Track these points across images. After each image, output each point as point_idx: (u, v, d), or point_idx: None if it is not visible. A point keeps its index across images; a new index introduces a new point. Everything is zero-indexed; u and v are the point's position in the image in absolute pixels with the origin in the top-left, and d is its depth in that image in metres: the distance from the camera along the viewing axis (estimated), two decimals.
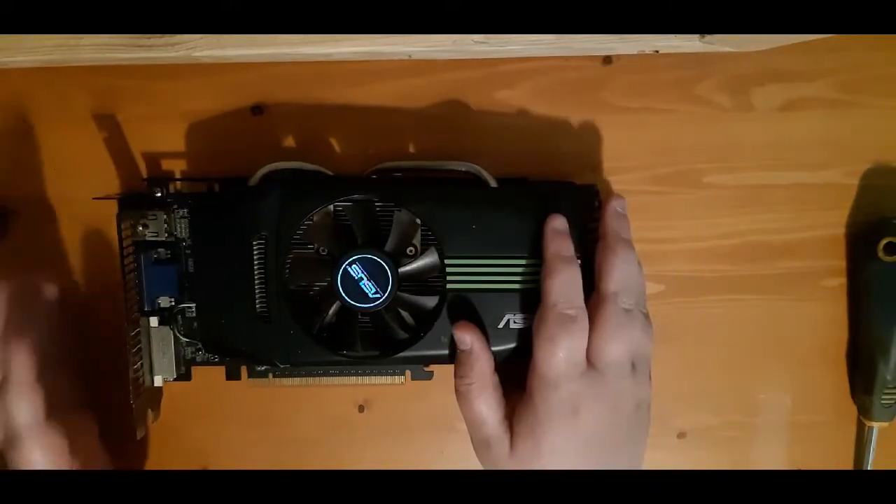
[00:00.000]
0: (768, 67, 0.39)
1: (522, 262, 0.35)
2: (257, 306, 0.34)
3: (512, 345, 0.35)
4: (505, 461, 0.33)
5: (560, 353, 0.31)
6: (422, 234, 0.35)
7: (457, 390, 0.34)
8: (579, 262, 0.34)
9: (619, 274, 0.33)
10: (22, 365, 0.33)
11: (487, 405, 0.33)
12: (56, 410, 0.34)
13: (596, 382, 0.32)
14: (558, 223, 0.34)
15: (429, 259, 0.35)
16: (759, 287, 0.40)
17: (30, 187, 0.39)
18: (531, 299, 0.35)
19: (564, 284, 0.32)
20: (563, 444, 0.32)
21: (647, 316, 0.34)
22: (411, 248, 0.35)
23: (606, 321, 0.32)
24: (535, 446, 0.32)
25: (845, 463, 0.42)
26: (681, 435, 0.41)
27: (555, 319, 0.32)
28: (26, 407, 0.33)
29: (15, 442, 0.33)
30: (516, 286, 0.35)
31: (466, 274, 0.35)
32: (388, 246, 0.35)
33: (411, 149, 0.39)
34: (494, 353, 0.35)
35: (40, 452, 0.33)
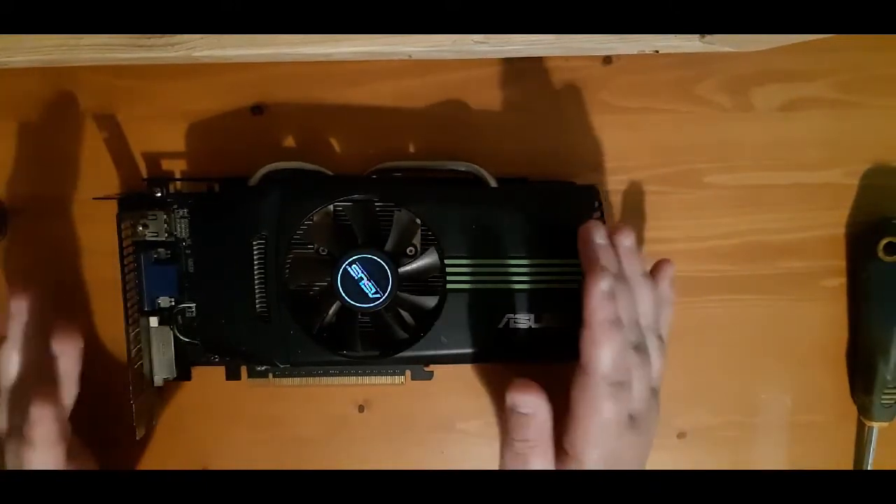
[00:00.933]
0: (768, 67, 0.39)
1: (522, 262, 0.35)
2: (257, 306, 0.34)
3: (512, 345, 0.35)
4: None
5: (610, 422, 0.30)
6: (422, 234, 0.35)
7: (511, 450, 0.31)
8: (577, 261, 0.34)
9: (600, 354, 0.30)
10: (41, 431, 0.32)
11: (544, 463, 0.31)
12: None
13: (632, 437, 0.31)
14: (604, 282, 0.30)
15: (429, 259, 0.35)
16: (759, 287, 0.40)
17: (30, 187, 0.39)
18: (531, 299, 0.35)
19: (611, 354, 0.30)
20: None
21: (658, 346, 0.33)
22: (411, 248, 0.35)
23: (594, 399, 0.30)
24: None
25: (845, 463, 0.42)
26: (681, 435, 0.41)
27: (601, 393, 0.30)
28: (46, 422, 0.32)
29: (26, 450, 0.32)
30: (516, 286, 0.35)
31: (466, 274, 0.35)
32: (388, 246, 0.35)
33: (411, 149, 0.39)
34: (496, 354, 0.35)
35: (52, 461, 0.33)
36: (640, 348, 0.32)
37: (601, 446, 0.31)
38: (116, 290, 0.36)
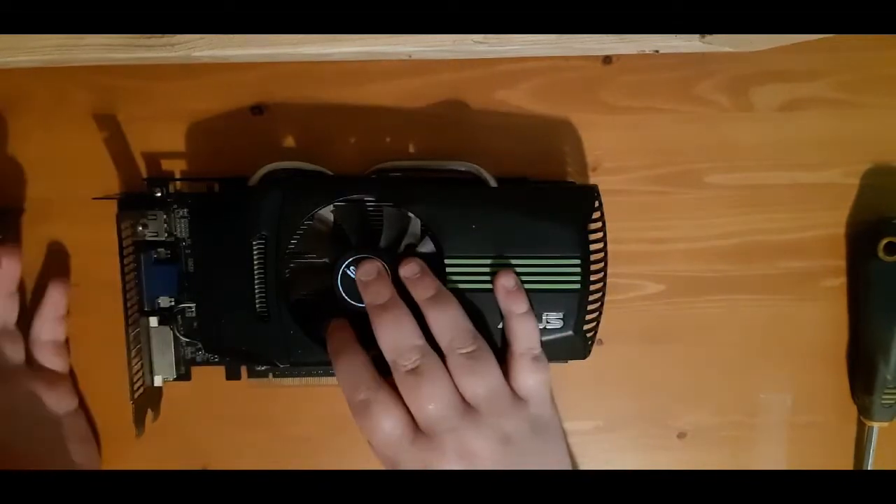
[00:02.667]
0: (768, 67, 0.39)
1: (523, 261, 0.35)
2: (257, 306, 0.34)
3: None
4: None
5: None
6: (421, 233, 0.35)
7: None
8: (577, 261, 0.34)
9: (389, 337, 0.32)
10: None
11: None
12: None
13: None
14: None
15: (425, 249, 0.35)
16: (759, 287, 0.40)
17: (30, 187, 0.39)
18: (531, 299, 0.35)
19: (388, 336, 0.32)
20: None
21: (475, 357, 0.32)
22: (410, 246, 0.35)
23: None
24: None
25: (845, 463, 0.42)
26: (681, 435, 0.41)
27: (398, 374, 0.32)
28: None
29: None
30: None
31: (466, 274, 0.35)
32: (382, 243, 0.35)
33: (411, 149, 0.39)
34: (496, 354, 0.35)
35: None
36: (430, 368, 0.31)
37: (395, 460, 0.32)
38: (116, 290, 0.36)
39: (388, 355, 0.32)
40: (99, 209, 0.38)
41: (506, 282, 0.33)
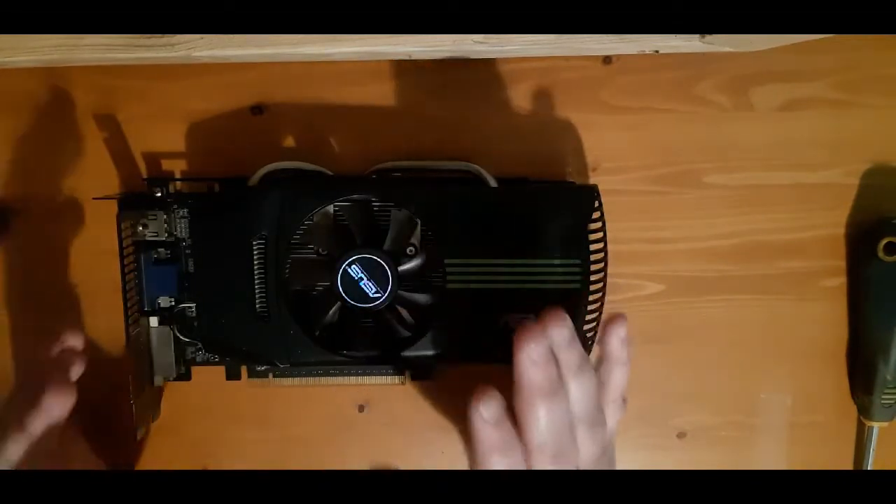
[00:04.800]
0: (768, 67, 0.39)
1: (522, 261, 0.35)
2: (257, 306, 0.34)
3: (512, 345, 0.35)
4: None
5: None
6: (421, 233, 0.35)
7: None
8: (576, 261, 0.34)
9: (535, 420, 0.29)
10: (37, 421, 0.33)
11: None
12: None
13: None
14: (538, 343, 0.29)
15: (428, 257, 0.35)
16: (759, 287, 0.40)
17: (30, 187, 0.39)
18: (531, 299, 0.35)
19: (548, 423, 0.29)
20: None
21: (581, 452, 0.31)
22: (411, 247, 0.35)
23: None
24: None
25: (845, 463, 0.42)
26: (681, 435, 0.41)
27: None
28: (15, 451, 0.33)
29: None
30: (516, 286, 0.35)
31: (466, 274, 0.35)
32: (387, 245, 0.35)
33: (411, 149, 0.39)
34: (495, 354, 0.35)
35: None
36: (566, 451, 0.30)
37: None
38: (116, 290, 0.36)
39: (540, 438, 0.29)
40: (99, 209, 0.38)
41: (621, 331, 0.33)
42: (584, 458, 0.31)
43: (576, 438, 0.31)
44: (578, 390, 0.31)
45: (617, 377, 0.34)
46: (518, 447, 0.30)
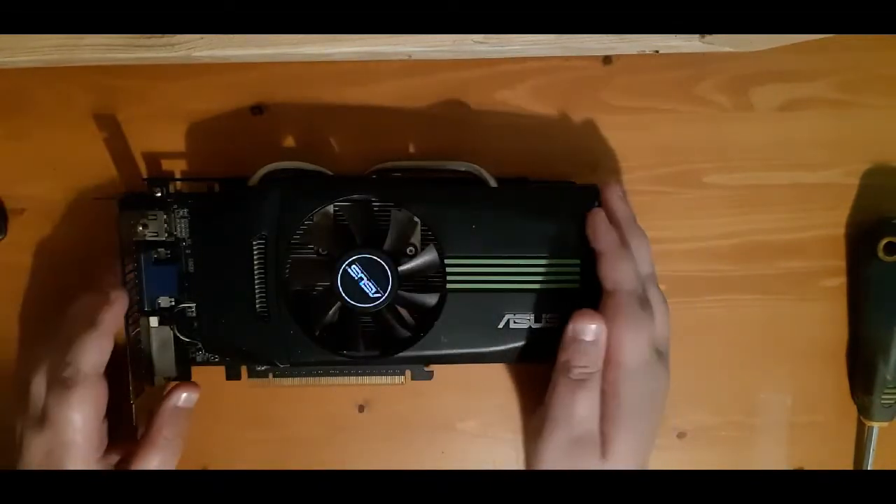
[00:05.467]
0: (768, 67, 0.39)
1: (522, 261, 0.35)
2: (257, 306, 0.34)
3: (512, 345, 0.35)
4: (598, 462, 0.32)
5: (646, 342, 0.32)
6: (421, 233, 0.35)
7: (568, 378, 0.32)
8: (577, 261, 0.34)
9: (622, 271, 0.33)
10: (107, 314, 0.34)
11: (594, 401, 0.32)
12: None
13: (657, 369, 0.33)
14: (601, 216, 0.34)
15: (428, 257, 0.35)
16: (759, 287, 0.40)
17: (30, 187, 0.39)
18: (531, 299, 0.35)
19: (633, 271, 0.33)
20: (651, 432, 0.34)
21: (659, 294, 0.35)
22: (411, 247, 0.35)
23: (628, 316, 0.32)
24: (632, 444, 0.32)
25: (845, 463, 0.42)
26: (681, 435, 0.41)
27: (634, 306, 0.32)
28: (96, 352, 0.33)
29: (66, 388, 0.32)
30: (516, 286, 0.35)
31: (466, 274, 0.35)
32: (387, 245, 0.35)
33: (411, 149, 0.39)
34: (495, 354, 0.35)
35: (86, 407, 0.33)
36: (643, 301, 0.33)
37: (636, 376, 0.32)
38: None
39: (627, 285, 0.33)
40: (99, 209, 0.38)
41: (616, 189, 0.36)
42: (660, 314, 0.34)
43: (648, 292, 0.34)
44: (640, 244, 0.35)
45: (638, 247, 0.35)
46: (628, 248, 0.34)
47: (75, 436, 0.33)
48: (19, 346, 0.39)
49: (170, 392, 0.36)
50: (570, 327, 0.33)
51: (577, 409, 0.32)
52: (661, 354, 0.34)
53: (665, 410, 0.34)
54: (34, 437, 0.33)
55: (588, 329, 0.32)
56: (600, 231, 0.34)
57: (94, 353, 0.33)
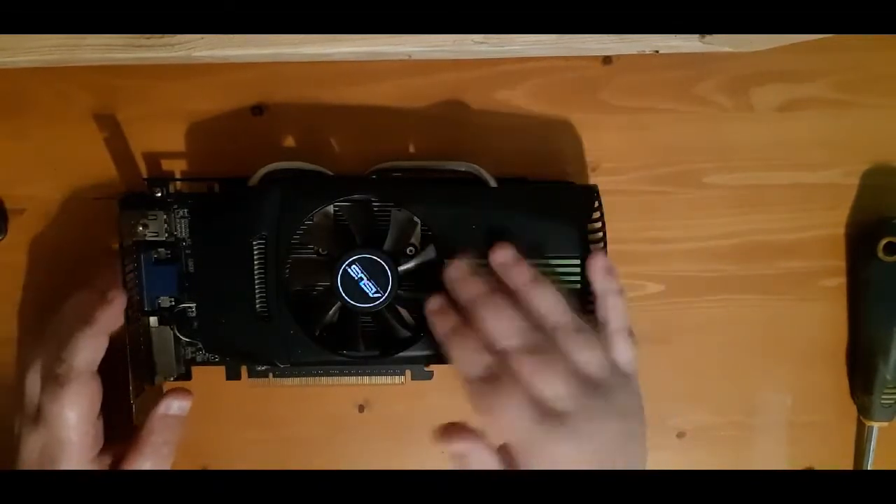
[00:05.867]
0: (768, 67, 0.39)
1: None
2: (257, 306, 0.34)
3: None
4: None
5: (517, 417, 0.30)
6: (421, 233, 0.35)
7: None
8: (577, 261, 0.34)
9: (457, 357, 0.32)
10: (103, 313, 0.34)
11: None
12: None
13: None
14: (431, 304, 0.33)
15: (428, 257, 0.35)
16: (759, 287, 0.40)
17: (30, 187, 0.39)
18: None
19: (470, 349, 0.32)
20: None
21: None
22: (411, 247, 0.35)
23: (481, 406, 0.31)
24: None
25: (845, 463, 0.42)
26: (681, 435, 0.41)
27: (477, 391, 0.31)
28: (89, 350, 0.33)
29: (59, 385, 0.33)
30: None
31: None
32: (387, 245, 0.35)
33: (411, 149, 0.39)
34: None
35: (79, 404, 0.33)
36: (543, 347, 0.31)
37: (527, 444, 0.30)
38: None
39: (502, 342, 0.31)
40: (99, 209, 0.38)
41: (603, 263, 0.33)
42: (583, 362, 0.31)
43: (558, 342, 0.31)
44: (540, 299, 0.32)
45: (612, 306, 0.33)
46: (471, 334, 0.32)
47: (69, 433, 0.33)
48: (18, 345, 0.39)
49: (162, 399, 0.36)
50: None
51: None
52: (589, 387, 0.31)
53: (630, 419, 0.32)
54: (30, 433, 0.33)
55: (458, 449, 0.31)
56: (432, 318, 0.33)
57: (88, 350, 0.33)
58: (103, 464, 0.35)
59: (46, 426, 0.33)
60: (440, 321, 0.33)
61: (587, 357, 0.31)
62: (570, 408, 0.30)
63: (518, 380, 0.30)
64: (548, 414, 0.30)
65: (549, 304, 0.32)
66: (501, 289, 0.32)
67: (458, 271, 0.33)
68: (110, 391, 0.38)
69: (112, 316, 0.34)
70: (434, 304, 0.33)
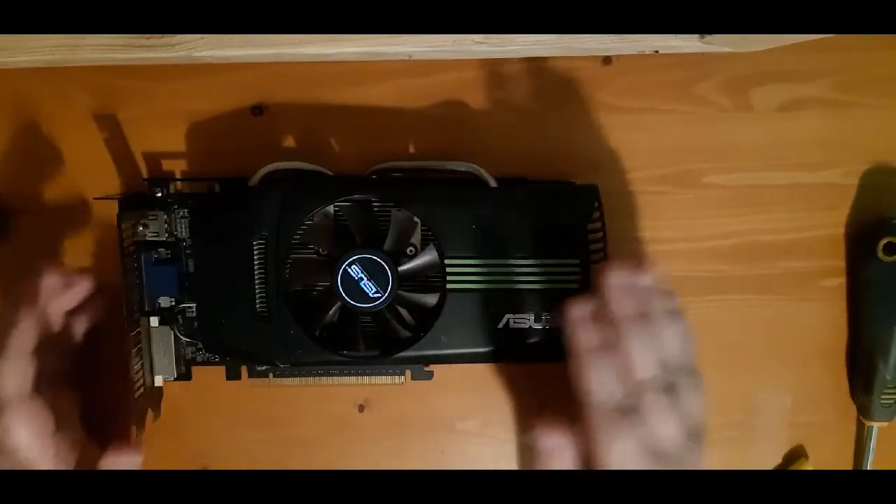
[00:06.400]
0: (768, 67, 0.39)
1: (522, 261, 0.35)
2: (257, 306, 0.34)
3: (512, 345, 0.35)
4: None
5: (632, 450, 0.29)
6: (421, 233, 0.35)
7: None
8: (576, 261, 0.34)
9: (593, 380, 0.30)
10: (15, 337, 0.33)
11: None
12: (42, 386, 0.33)
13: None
14: (583, 307, 0.30)
15: (428, 257, 0.35)
16: (759, 287, 0.40)
17: (30, 187, 0.39)
18: (531, 299, 0.35)
19: (611, 377, 0.29)
20: None
21: (691, 382, 0.31)
22: (411, 247, 0.35)
23: (599, 431, 0.29)
24: None
25: (845, 463, 0.42)
26: None
27: (606, 418, 0.29)
28: (13, 378, 0.32)
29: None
30: (516, 286, 0.35)
31: (466, 274, 0.35)
32: (387, 245, 0.35)
33: (411, 149, 0.39)
34: (495, 354, 0.35)
35: (24, 428, 0.32)
36: (669, 389, 0.30)
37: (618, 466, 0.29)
38: (117, 290, 0.36)
39: (640, 374, 0.29)
40: (99, 209, 0.38)
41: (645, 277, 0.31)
42: (694, 409, 0.30)
43: (682, 385, 0.30)
44: (671, 334, 0.30)
45: (661, 331, 0.30)
46: (617, 359, 0.29)
47: (29, 454, 0.32)
48: None
49: (105, 456, 0.35)
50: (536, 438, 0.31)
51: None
52: (692, 438, 0.30)
53: None
54: None
55: (549, 443, 0.31)
56: (577, 327, 0.30)
57: (11, 377, 0.32)
58: (90, 464, 0.35)
59: (4, 454, 0.32)
60: (585, 333, 0.30)
61: (695, 405, 0.30)
62: (673, 451, 0.29)
63: (647, 417, 0.29)
64: (657, 453, 0.29)
65: (682, 342, 0.31)
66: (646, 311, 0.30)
67: (621, 278, 0.30)
68: (111, 391, 0.38)
69: (22, 334, 0.33)
70: (580, 310, 0.31)
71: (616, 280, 0.30)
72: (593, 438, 0.29)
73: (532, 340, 0.35)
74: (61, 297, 0.35)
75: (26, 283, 0.35)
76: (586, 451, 0.30)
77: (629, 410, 0.29)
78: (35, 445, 0.33)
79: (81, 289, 0.35)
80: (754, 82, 0.39)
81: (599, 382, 0.29)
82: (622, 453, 0.29)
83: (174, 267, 0.36)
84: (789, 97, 0.39)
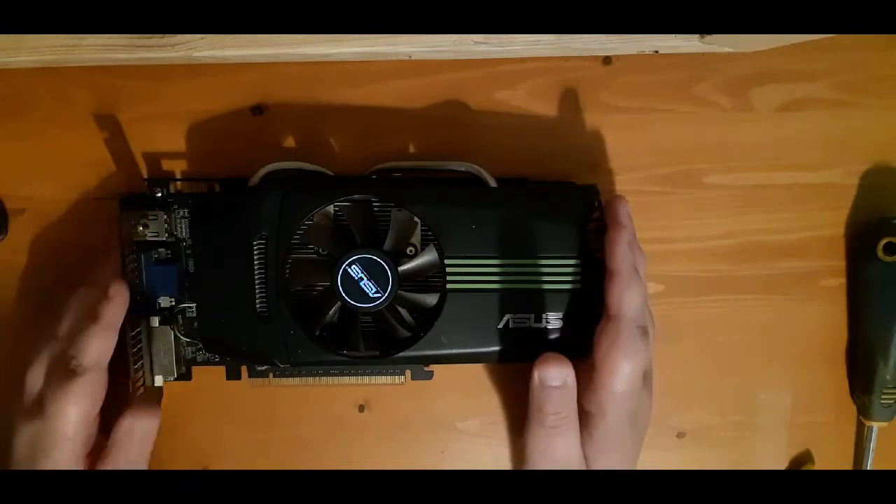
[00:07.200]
0: (768, 67, 0.39)
1: (523, 261, 0.35)
2: (258, 306, 0.34)
3: (512, 345, 0.35)
4: None
5: (638, 369, 0.32)
6: (421, 233, 0.35)
7: (543, 426, 0.33)
8: (577, 261, 0.34)
9: (630, 298, 0.32)
10: (108, 308, 0.34)
11: (572, 442, 0.33)
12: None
13: (643, 393, 0.34)
14: (623, 236, 0.33)
15: (428, 257, 0.35)
16: (759, 287, 0.40)
17: (30, 187, 0.39)
18: (531, 299, 0.35)
19: (640, 298, 0.33)
20: (634, 454, 0.34)
21: (650, 314, 0.35)
22: (411, 247, 0.35)
23: (626, 342, 0.32)
24: (615, 466, 0.33)
25: (845, 463, 0.42)
26: (680, 435, 0.41)
27: (634, 334, 0.32)
28: (98, 346, 0.33)
29: (67, 379, 0.33)
30: (516, 286, 0.35)
31: (466, 274, 0.35)
32: (387, 245, 0.35)
33: (411, 149, 0.39)
34: (496, 354, 0.35)
35: (90, 397, 0.33)
36: (643, 329, 0.33)
37: (625, 400, 0.32)
38: None
39: (629, 313, 0.32)
40: (99, 209, 0.38)
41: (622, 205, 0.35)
42: (650, 354, 0.34)
43: (647, 329, 0.33)
44: (641, 265, 0.34)
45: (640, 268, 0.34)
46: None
47: (67, 427, 0.33)
48: (19, 344, 0.39)
49: (124, 416, 0.35)
50: (536, 374, 0.33)
51: (557, 453, 0.33)
52: (647, 377, 0.34)
53: (647, 432, 0.35)
54: (26, 425, 0.33)
55: (555, 375, 0.33)
56: (619, 252, 0.33)
57: (96, 345, 0.33)
58: (92, 463, 0.35)
59: (44, 419, 0.33)
60: (629, 256, 0.33)
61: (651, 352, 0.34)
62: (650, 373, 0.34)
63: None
64: (644, 380, 0.33)
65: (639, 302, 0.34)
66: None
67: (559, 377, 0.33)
68: (110, 390, 0.38)
69: (116, 311, 0.34)
70: (627, 234, 0.33)
71: (626, 209, 0.34)
72: (615, 352, 0.32)
73: (532, 340, 0.35)
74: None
75: (108, 262, 0.36)
76: (587, 380, 0.33)
77: (644, 334, 0.32)
78: (79, 421, 0.33)
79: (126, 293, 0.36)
80: (754, 82, 0.39)
81: (632, 301, 0.32)
82: (632, 374, 0.32)
83: (174, 267, 0.36)
84: (789, 97, 0.39)
